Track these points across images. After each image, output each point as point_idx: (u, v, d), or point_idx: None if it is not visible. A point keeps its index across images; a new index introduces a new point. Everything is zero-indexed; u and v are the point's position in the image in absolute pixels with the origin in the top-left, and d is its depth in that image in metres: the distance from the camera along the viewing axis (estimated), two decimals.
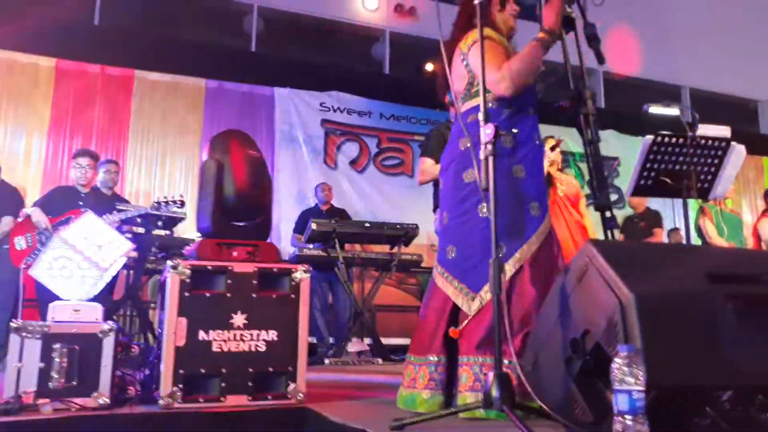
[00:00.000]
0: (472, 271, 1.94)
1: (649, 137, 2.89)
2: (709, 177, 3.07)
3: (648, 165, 2.94)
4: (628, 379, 1.26)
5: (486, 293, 1.88)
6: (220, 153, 2.37)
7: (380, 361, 4.85)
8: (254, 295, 2.18)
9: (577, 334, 1.45)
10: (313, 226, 5.05)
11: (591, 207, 2.59)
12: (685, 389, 1.35)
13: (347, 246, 5.27)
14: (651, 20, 9.95)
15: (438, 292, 2.05)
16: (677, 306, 1.35)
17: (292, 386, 2.15)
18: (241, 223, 2.42)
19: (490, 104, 1.98)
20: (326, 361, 4.76)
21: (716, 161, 3.03)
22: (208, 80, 6.73)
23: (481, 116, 1.66)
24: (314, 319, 5.54)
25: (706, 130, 2.98)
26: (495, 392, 1.48)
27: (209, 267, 2.17)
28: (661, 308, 1.33)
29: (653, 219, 5.27)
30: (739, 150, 3.05)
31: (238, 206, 2.34)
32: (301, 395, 2.16)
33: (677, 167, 2.95)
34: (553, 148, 4.02)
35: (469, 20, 2.09)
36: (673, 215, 7.38)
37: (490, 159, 1.60)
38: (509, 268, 1.88)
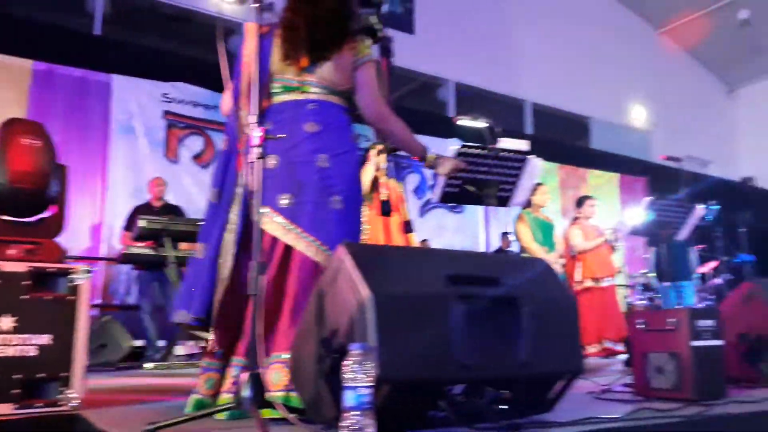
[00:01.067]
0: None
1: (454, 147, 3.06)
2: (510, 187, 3.32)
3: (453, 173, 3.12)
4: (358, 376, 1.33)
5: None
6: None
7: None
8: (26, 297, 2.03)
9: (328, 333, 1.50)
10: (141, 223, 4.83)
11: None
12: (418, 384, 1.44)
13: (185, 245, 5.08)
14: (499, 38, 10.59)
15: None
16: (414, 306, 1.44)
17: (65, 393, 2.03)
18: (20, 219, 2.24)
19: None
20: (147, 365, 4.56)
21: (516, 172, 3.28)
22: (36, 62, 6.20)
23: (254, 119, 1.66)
24: (142, 321, 5.31)
25: (507, 143, 3.24)
26: (246, 392, 1.50)
27: None
28: (398, 308, 1.41)
29: None
30: (534, 163, 3.31)
31: (13, 200, 2.16)
32: (76, 402, 2.04)
33: (480, 176, 3.16)
34: (379, 153, 4.14)
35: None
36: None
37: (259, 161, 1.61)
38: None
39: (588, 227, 5.46)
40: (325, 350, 1.50)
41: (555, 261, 5.00)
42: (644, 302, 7.57)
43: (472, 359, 1.45)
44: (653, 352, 2.06)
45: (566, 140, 11.49)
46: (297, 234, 1.90)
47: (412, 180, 8.51)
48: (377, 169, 4.07)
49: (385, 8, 2.39)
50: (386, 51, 2.28)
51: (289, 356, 1.72)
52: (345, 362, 1.33)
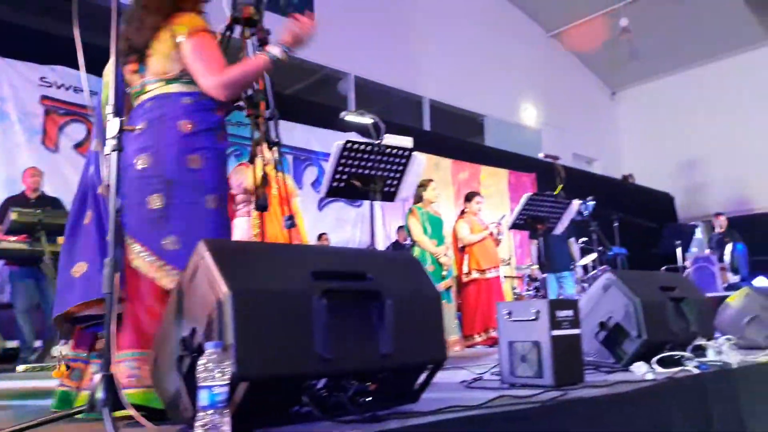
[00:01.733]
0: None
1: (340, 142, 3.08)
2: (395, 182, 3.38)
3: (339, 168, 3.15)
4: (213, 375, 1.31)
5: None
6: None
7: None
8: None
9: (187, 332, 1.47)
10: (13, 215, 4.52)
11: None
12: (278, 380, 1.44)
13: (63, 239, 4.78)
14: (399, 34, 10.72)
15: None
16: (276, 302, 1.43)
17: None
18: None
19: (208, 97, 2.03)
20: (20, 367, 4.28)
21: (401, 168, 3.35)
22: None
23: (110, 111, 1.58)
24: (16, 320, 4.97)
25: (391, 139, 3.30)
26: (99, 394, 1.44)
27: None
28: (259, 305, 1.40)
29: None
30: (419, 159, 3.40)
31: None
32: None
33: (366, 171, 3.20)
34: (270, 147, 4.09)
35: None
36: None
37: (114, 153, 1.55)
38: None
39: (474, 221, 5.69)
40: (184, 349, 1.47)
41: (443, 253, 5.16)
42: (531, 292, 7.98)
43: (334, 353, 1.47)
44: (518, 341, 2.17)
45: (462, 137, 11.85)
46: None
47: (311, 173, 8.47)
48: (266, 163, 4.02)
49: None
50: (264, 43, 2.24)
51: (141, 353, 1.70)
52: (199, 361, 1.31)
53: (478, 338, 5.40)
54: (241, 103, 2.33)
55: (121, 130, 1.56)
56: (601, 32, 12.57)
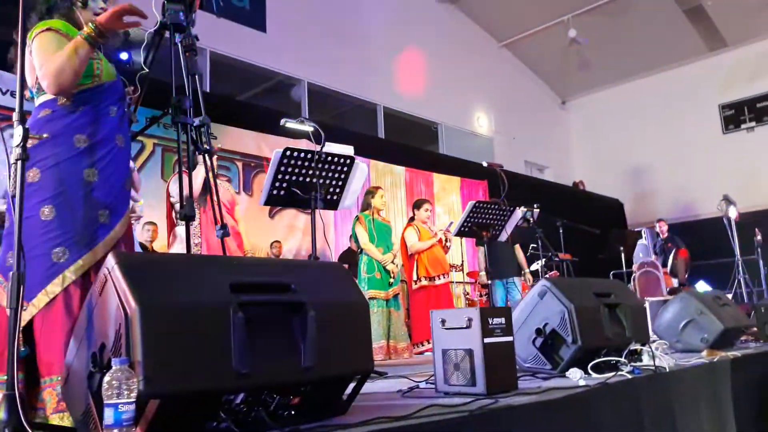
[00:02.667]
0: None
1: (279, 150, 3.04)
2: (338, 190, 3.36)
3: (279, 176, 3.10)
4: (120, 392, 1.26)
5: (38, 301, 1.79)
6: None
7: None
8: None
9: (97, 348, 1.41)
10: None
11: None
12: (192, 397, 1.39)
13: None
14: (353, 41, 10.73)
15: None
16: (190, 317, 1.39)
17: None
18: None
19: (64, 101, 1.93)
20: None
21: (343, 176, 3.32)
22: None
23: (15, 116, 1.52)
24: None
25: (332, 147, 3.28)
26: (1, 415, 1.37)
27: None
28: (171, 319, 1.36)
29: None
30: (362, 167, 3.38)
31: None
32: None
33: (307, 179, 3.17)
34: (211, 156, 4.02)
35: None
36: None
37: (19, 163, 1.47)
38: (70, 274, 1.82)
39: (423, 228, 5.71)
40: (94, 366, 1.41)
41: (390, 261, 5.16)
42: (482, 298, 8.05)
43: (252, 368, 1.43)
44: (451, 349, 2.17)
45: (416, 145, 11.91)
46: None
47: (262, 180, 8.36)
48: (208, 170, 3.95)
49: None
50: (191, 49, 2.20)
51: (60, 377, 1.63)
52: (104, 379, 1.26)
53: (427, 345, 5.41)
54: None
55: (25, 138, 1.49)
56: (551, 43, 12.85)
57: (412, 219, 5.84)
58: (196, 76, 2.35)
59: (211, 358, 1.39)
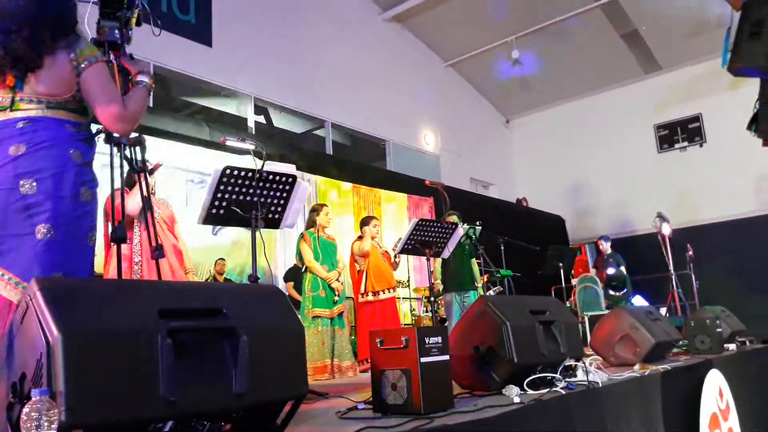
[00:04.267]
0: None
1: (219, 168, 3.01)
2: (279, 209, 3.34)
3: (219, 195, 3.07)
4: (40, 424, 1.22)
5: None
6: None
7: None
8: None
9: (17, 377, 1.37)
10: None
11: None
12: (116, 426, 1.36)
13: None
14: (299, 56, 10.73)
15: None
16: (116, 344, 1.36)
17: None
18: None
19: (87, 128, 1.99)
20: None
21: (285, 195, 3.31)
22: None
23: None
24: None
25: (273, 166, 3.27)
26: None
27: None
28: (96, 347, 1.33)
29: None
30: (304, 186, 3.38)
31: None
32: None
33: (247, 198, 3.14)
34: (151, 172, 3.97)
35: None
36: None
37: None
38: None
39: (371, 244, 5.74)
40: (14, 396, 1.36)
41: (335, 278, 5.15)
42: (428, 314, 8.11)
43: (181, 395, 1.41)
44: (389, 369, 2.18)
45: (365, 161, 11.97)
46: None
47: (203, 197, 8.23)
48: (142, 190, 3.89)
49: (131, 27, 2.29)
50: (123, 69, 2.17)
51: None
52: (23, 411, 1.22)
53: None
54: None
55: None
56: (494, 63, 13.17)
57: (360, 237, 5.87)
58: None
59: (138, 385, 1.37)
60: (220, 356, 1.53)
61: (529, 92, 14.06)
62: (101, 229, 4.25)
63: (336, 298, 5.14)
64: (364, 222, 5.96)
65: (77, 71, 1.94)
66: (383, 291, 5.62)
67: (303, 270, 5.36)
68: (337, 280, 5.18)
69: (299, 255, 5.24)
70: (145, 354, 1.39)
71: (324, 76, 11.02)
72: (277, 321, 1.73)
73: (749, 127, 5.16)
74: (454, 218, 5.44)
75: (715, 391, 3.82)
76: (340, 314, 5.21)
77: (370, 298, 5.57)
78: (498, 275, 6.69)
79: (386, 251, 5.74)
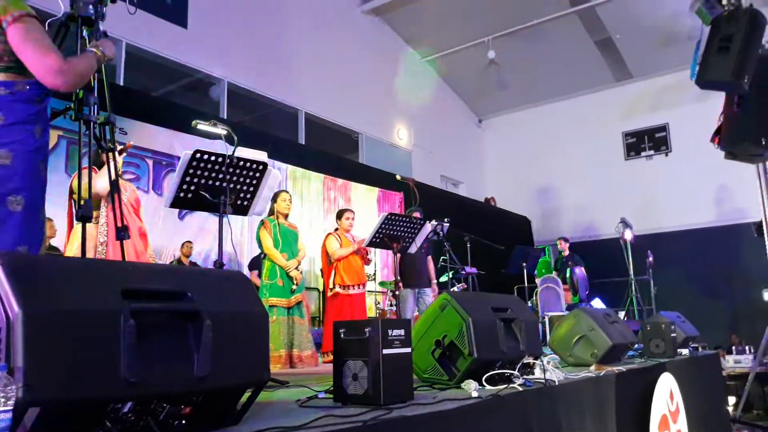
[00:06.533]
0: None
1: (189, 152, 2.99)
2: (248, 196, 3.33)
3: (187, 179, 3.04)
4: None
5: None
6: None
7: None
8: None
9: None
10: None
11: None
12: (75, 404, 1.35)
13: None
14: (274, 44, 10.64)
15: None
16: (78, 323, 1.35)
17: None
18: None
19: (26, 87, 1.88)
20: None
21: (254, 182, 3.30)
22: None
23: None
24: None
25: (245, 152, 3.25)
26: None
27: None
28: (57, 325, 1.32)
29: None
30: (275, 174, 3.37)
31: None
32: None
33: (216, 183, 3.12)
34: (120, 152, 3.90)
35: None
36: None
37: None
38: None
39: (345, 237, 5.74)
40: None
41: (294, 267, 5.12)
42: (393, 308, 8.16)
43: (142, 376, 1.40)
44: (351, 359, 2.20)
45: (337, 153, 11.95)
46: None
47: (172, 180, 8.13)
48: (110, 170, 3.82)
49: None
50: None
51: None
52: None
53: None
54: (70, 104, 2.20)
55: None
56: (470, 62, 13.26)
57: (335, 229, 5.86)
58: (104, 69, 2.29)
59: (98, 365, 1.36)
60: (183, 339, 1.53)
61: (503, 93, 14.20)
62: (65, 208, 4.17)
63: (294, 287, 5.07)
64: (339, 215, 5.94)
65: (2, 29, 1.90)
66: (353, 286, 5.63)
67: (262, 257, 5.28)
68: (296, 268, 5.13)
69: (258, 242, 5.18)
70: (107, 334, 1.39)
71: (300, 65, 10.96)
72: (242, 306, 1.73)
73: (712, 140, 5.32)
74: (416, 215, 5.48)
75: (667, 394, 3.94)
76: (299, 303, 5.15)
77: (339, 290, 5.57)
78: (463, 273, 6.76)
79: (365, 247, 5.73)
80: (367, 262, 5.94)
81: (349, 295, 5.64)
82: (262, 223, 5.16)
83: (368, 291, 8.51)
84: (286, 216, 5.27)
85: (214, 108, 9.90)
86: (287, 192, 5.44)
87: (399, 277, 5.23)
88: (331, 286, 5.66)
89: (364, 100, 12.25)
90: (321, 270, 6.43)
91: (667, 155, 13.50)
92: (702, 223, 12.40)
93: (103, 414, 1.40)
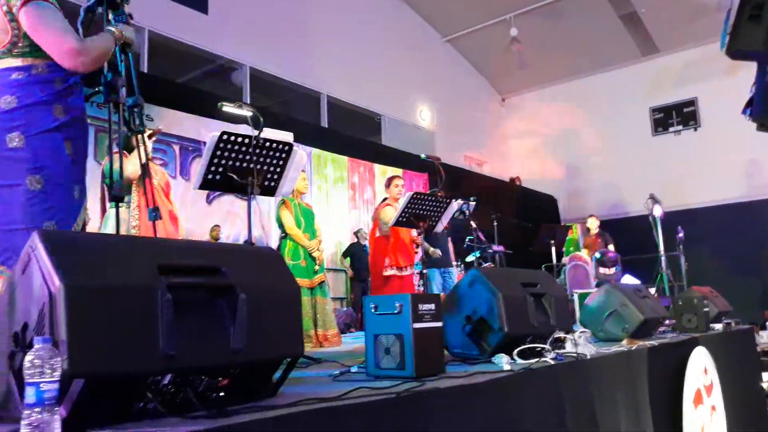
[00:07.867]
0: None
1: (216, 133, 3.01)
2: (276, 176, 3.35)
3: (216, 160, 3.07)
4: (42, 371, 1.25)
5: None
6: None
7: None
8: None
9: (19, 327, 1.39)
10: None
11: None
12: (117, 377, 1.39)
13: None
14: (297, 28, 10.63)
15: None
16: (117, 297, 1.38)
17: None
18: None
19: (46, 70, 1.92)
20: None
21: (281, 162, 3.32)
22: None
23: None
24: None
25: (271, 133, 3.27)
26: None
27: None
28: (97, 299, 1.35)
29: None
30: (300, 154, 3.39)
31: None
32: None
33: (244, 165, 3.15)
34: (150, 137, 3.95)
35: None
36: None
37: None
38: None
39: (396, 207, 5.65)
40: (15, 345, 1.38)
41: (316, 247, 5.10)
42: (420, 288, 8.18)
43: (180, 349, 1.43)
44: (383, 334, 2.22)
45: (359, 135, 11.94)
46: None
47: (199, 164, 8.21)
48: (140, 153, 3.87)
49: None
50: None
51: None
52: (26, 358, 1.24)
53: None
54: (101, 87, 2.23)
55: None
56: (492, 40, 13.09)
57: (384, 199, 5.80)
58: (130, 55, 2.31)
59: (138, 338, 1.39)
60: (219, 313, 1.56)
61: (526, 71, 14.00)
62: (97, 192, 4.25)
63: (317, 267, 5.05)
64: (387, 183, 5.86)
65: (9, 15, 1.92)
66: (406, 267, 5.55)
67: (282, 236, 5.24)
68: (318, 248, 5.11)
69: (279, 222, 5.17)
70: (145, 308, 1.41)
71: (321, 48, 10.93)
72: (274, 281, 1.75)
73: (744, 111, 5.19)
74: (441, 194, 5.39)
75: (701, 368, 3.91)
76: (322, 283, 5.12)
77: (394, 272, 5.47)
78: (490, 251, 6.74)
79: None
80: (419, 244, 5.78)
81: (401, 276, 5.54)
82: (283, 201, 5.12)
83: None
84: (302, 195, 5.26)
85: (237, 93, 9.95)
86: (303, 170, 5.41)
87: (425, 257, 5.20)
88: (387, 264, 5.51)
89: (385, 82, 12.19)
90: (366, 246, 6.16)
91: (696, 130, 13.23)
92: (733, 198, 12.15)
93: (144, 386, 1.44)
